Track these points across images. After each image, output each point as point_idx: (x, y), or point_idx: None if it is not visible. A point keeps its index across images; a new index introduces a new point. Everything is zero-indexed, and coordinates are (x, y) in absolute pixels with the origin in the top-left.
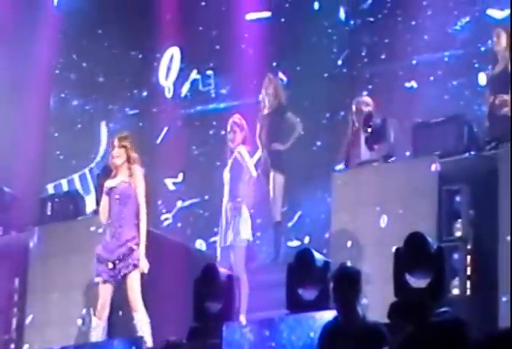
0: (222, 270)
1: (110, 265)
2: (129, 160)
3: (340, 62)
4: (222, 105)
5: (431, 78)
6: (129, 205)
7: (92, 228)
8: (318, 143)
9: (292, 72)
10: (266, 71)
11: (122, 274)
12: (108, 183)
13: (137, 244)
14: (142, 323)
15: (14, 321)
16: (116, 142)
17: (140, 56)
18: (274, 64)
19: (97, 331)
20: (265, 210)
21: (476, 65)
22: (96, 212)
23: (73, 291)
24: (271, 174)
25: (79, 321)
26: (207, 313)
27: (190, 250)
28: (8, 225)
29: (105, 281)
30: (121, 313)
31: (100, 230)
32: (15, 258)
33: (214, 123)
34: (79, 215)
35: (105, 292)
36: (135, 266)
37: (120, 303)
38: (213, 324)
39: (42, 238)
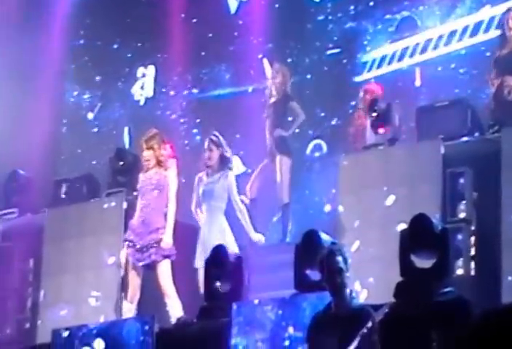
0: (231, 251)
1: (140, 250)
2: (158, 163)
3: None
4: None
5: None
6: (161, 194)
7: (105, 205)
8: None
9: (289, 59)
10: (261, 59)
11: (152, 260)
12: (143, 175)
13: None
14: (175, 309)
15: (29, 301)
16: (143, 145)
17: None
18: (268, 48)
19: (129, 315)
20: (272, 192)
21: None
22: (109, 195)
23: (86, 272)
24: (277, 158)
25: (92, 301)
26: (217, 293)
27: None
28: (23, 206)
29: (134, 265)
30: (152, 298)
31: (125, 205)
32: (30, 239)
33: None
34: (93, 197)
35: (135, 277)
36: (165, 256)
37: (151, 288)
38: (223, 303)
39: (56, 220)
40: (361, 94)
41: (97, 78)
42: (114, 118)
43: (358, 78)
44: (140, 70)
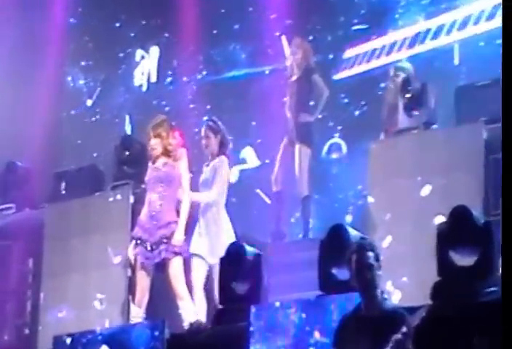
0: (249, 248)
1: (149, 247)
2: (166, 152)
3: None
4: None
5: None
6: (172, 187)
7: (111, 199)
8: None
9: (310, 36)
10: (280, 35)
11: (162, 257)
12: (152, 165)
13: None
14: (188, 313)
15: (29, 304)
16: (150, 132)
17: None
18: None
19: (137, 320)
20: (291, 184)
21: None
22: (114, 188)
23: (91, 272)
24: (296, 147)
25: (97, 304)
26: (233, 294)
27: None
28: (21, 201)
29: (143, 265)
30: (162, 300)
31: (132, 199)
32: (29, 237)
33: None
34: (97, 191)
35: (144, 277)
36: (176, 253)
37: (162, 289)
38: (240, 306)
39: (58, 216)
40: (392, 72)
41: (97, 60)
42: (115, 105)
43: (387, 58)
44: (141, 52)
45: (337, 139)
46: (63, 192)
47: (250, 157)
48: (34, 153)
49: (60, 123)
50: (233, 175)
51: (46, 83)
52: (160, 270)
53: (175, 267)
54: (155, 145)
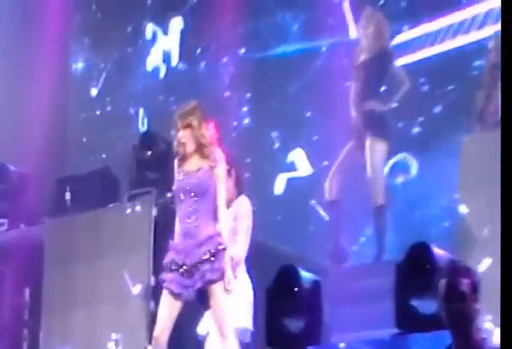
0: (305, 274)
1: (186, 272)
2: (200, 148)
3: None
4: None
5: None
6: (207, 198)
7: (128, 211)
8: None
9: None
10: (340, 3)
11: (207, 280)
12: (181, 168)
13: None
14: None
15: (25, 346)
16: (178, 122)
17: None
18: None
19: None
20: (361, 191)
21: None
22: (132, 198)
23: (103, 306)
24: (367, 142)
25: (111, 346)
26: (286, 333)
27: (266, 247)
28: (15, 215)
29: (174, 295)
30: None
31: (155, 212)
32: (25, 261)
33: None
34: (111, 201)
35: (172, 310)
36: (223, 275)
37: (190, 323)
38: (294, 348)
39: (61, 234)
40: (491, 44)
41: (105, 36)
42: (127, 95)
43: (485, 31)
44: (156, 28)
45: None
46: (68, 203)
47: (301, 162)
48: (30, 155)
49: (61, 116)
50: (279, 185)
51: (44, 67)
52: (199, 299)
53: (219, 290)
54: (184, 137)
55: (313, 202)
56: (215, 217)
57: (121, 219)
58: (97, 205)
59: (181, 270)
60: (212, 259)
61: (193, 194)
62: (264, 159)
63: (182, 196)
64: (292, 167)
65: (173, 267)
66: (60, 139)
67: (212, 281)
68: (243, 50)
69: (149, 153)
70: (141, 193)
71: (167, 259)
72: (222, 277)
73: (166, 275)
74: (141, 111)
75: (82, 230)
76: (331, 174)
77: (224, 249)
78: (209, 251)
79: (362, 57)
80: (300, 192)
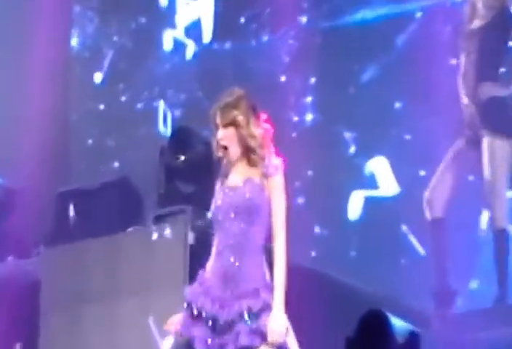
0: (399, 323)
1: (219, 327)
2: (248, 152)
3: None
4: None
5: None
6: (257, 223)
7: (154, 237)
8: None
9: None
10: None
11: (243, 345)
12: (222, 179)
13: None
14: None
15: None
16: (217, 117)
17: None
18: None
19: None
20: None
21: None
22: (160, 219)
23: None
24: (485, 140)
25: None
26: None
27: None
28: (1, 245)
29: None
30: None
31: (192, 239)
32: (15, 307)
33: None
34: (130, 224)
35: None
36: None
37: None
38: None
39: (63, 269)
40: None
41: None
42: (143, 82)
43: None
44: None
45: None
46: (72, 225)
47: (383, 174)
48: (21, 163)
49: (65, 116)
50: (354, 206)
51: (39, 44)
52: None
53: None
54: (225, 139)
55: (404, 228)
56: (264, 251)
57: (144, 248)
58: (111, 229)
59: (212, 322)
60: (251, 318)
61: (237, 216)
62: (334, 169)
63: (222, 219)
64: (371, 181)
65: (200, 316)
66: (58, 141)
67: (252, 347)
68: (305, 18)
69: (182, 157)
70: (172, 212)
71: (191, 297)
72: (261, 342)
73: (190, 325)
74: (161, 103)
75: (92, 262)
76: (432, 185)
77: (269, 307)
78: (249, 308)
79: (475, 24)
80: (384, 214)
